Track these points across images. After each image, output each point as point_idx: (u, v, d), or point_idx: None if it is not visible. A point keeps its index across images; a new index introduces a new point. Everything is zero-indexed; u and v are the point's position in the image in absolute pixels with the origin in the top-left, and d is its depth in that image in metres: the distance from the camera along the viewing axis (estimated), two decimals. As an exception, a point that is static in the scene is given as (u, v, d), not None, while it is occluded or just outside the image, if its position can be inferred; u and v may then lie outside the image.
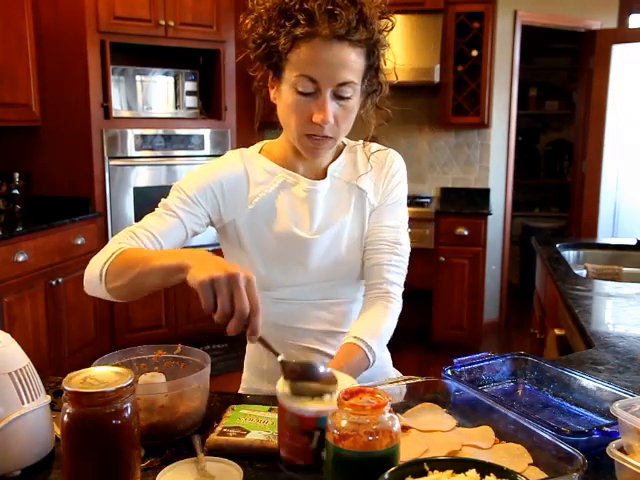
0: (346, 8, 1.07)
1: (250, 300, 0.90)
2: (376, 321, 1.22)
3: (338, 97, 1.12)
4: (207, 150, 4.17)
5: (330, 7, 1.06)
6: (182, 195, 1.22)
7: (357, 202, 1.29)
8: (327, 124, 1.12)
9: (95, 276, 1.12)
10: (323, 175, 1.28)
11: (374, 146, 1.33)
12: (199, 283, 0.90)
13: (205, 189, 1.23)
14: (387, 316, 1.24)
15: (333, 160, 1.30)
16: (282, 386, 0.92)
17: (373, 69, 1.16)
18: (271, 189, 1.25)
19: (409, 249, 1.31)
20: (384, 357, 1.40)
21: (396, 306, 1.26)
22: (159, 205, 1.24)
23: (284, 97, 1.15)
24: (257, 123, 1.30)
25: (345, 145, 1.33)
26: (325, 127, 1.13)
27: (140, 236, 1.16)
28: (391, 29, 1.16)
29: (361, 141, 1.33)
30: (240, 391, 1.40)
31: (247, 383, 1.39)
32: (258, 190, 1.25)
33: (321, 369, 0.93)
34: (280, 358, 0.93)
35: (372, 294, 1.26)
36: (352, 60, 1.10)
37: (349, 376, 0.96)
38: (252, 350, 1.38)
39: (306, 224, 1.25)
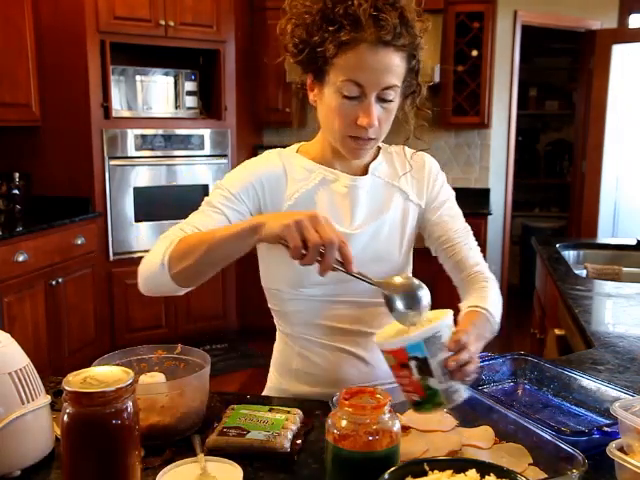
0: (389, 12, 1.08)
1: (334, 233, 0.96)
2: (481, 294, 1.23)
3: (381, 100, 1.14)
4: (207, 150, 4.17)
5: (375, 13, 1.07)
6: (225, 193, 1.23)
7: (398, 202, 1.30)
8: (372, 127, 1.14)
9: (156, 265, 1.11)
10: (362, 173, 1.30)
11: (407, 149, 1.35)
12: (284, 226, 0.94)
13: (247, 187, 1.24)
14: (489, 289, 1.24)
15: (373, 159, 1.31)
16: (377, 334, 1.01)
17: (413, 72, 1.18)
18: (310, 185, 1.26)
19: None
20: None
21: (493, 282, 1.27)
22: (203, 203, 1.24)
23: (327, 100, 1.16)
24: (295, 124, 1.31)
25: (380, 147, 1.34)
26: (369, 130, 1.15)
27: (189, 232, 1.17)
28: (425, 31, 1.17)
29: (394, 145, 1.35)
30: (265, 390, 1.39)
31: (273, 382, 1.39)
32: (297, 187, 1.26)
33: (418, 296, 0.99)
34: (384, 292, 1.00)
35: (467, 281, 1.28)
36: (396, 64, 1.12)
37: (447, 310, 0.99)
38: (280, 349, 1.37)
39: (347, 219, 1.26)
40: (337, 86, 1.12)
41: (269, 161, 1.29)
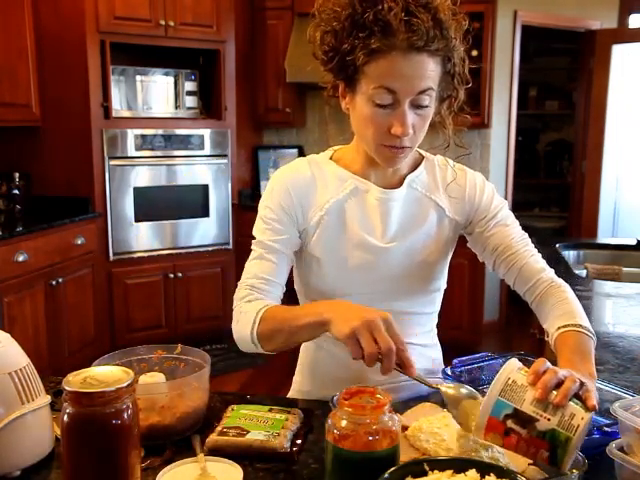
0: (421, 15, 1.04)
1: (393, 338, 0.95)
2: (565, 308, 1.15)
3: (416, 106, 1.10)
4: (207, 150, 4.17)
5: (406, 17, 1.03)
6: (271, 225, 1.24)
7: (433, 217, 1.27)
8: (407, 136, 1.11)
9: (248, 342, 1.18)
10: (398, 184, 1.26)
11: (450, 161, 1.31)
12: (344, 337, 0.97)
13: (283, 207, 1.24)
14: (569, 299, 1.18)
15: (412, 170, 1.28)
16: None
17: (449, 75, 1.15)
18: (341, 195, 1.24)
19: None
20: (438, 358, 1.38)
21: (568, 289, 1.21)
22: (255, 244, 1.25)
23: (359, 108, 1.13)
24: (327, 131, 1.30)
25: (424, 157, 1.31)
26: (404, 138, 1.11)
27: (258, 286, 1.21)
28: (465, 30, 1.15)
29: (439, 155, 1.32)
30: (290, 393, 1.39)
31: (299, 385, 1.38)
32: (328, 196, 1.24)
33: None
34: (443, 389, 0.96)
35: (539, 291, 1.21)
36: (430, 69, 1.08)
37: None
38: (307, 353, 1.37)
39: (378, 232, 1.24)
40: (369, 94, 1.09)
41: (296, 170, 1.27)
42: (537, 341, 2.69)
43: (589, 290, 2.09)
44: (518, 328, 4.70)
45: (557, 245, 2.85)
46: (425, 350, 1.32)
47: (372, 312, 0.98)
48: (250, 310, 1.18)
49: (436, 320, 1.36)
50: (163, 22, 3.83)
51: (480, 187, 1.30)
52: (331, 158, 1.29)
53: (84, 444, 0.83)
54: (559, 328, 1.10)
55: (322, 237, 1.24)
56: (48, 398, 1.02)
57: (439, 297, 1.33)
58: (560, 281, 1.22)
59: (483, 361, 1.25)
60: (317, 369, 1.33)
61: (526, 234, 1.29)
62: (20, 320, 3.17)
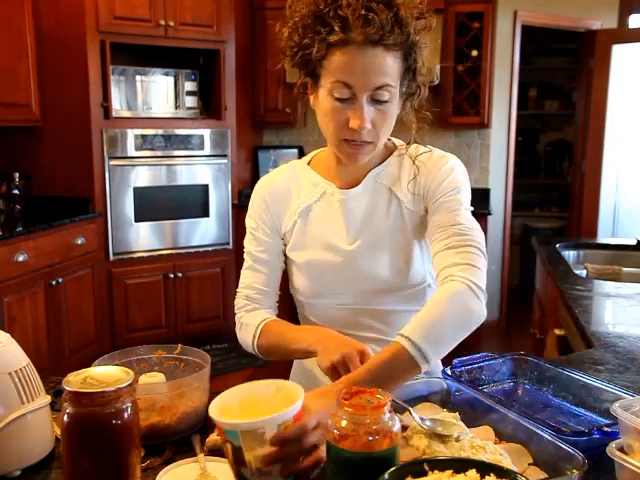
0: (381, 12, 1.05)
1: None
2: (426, 315, 1.06)
3: (375, 101, 1.11)
4: (207, 150, 4.17)
5: (364, 12, 1.05)
6: (255, 235, 1.32)
7: (394, 209, 1.24)
8: (364, 130, 1.11)
9: (250, 348, 1.31)
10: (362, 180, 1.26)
11: (420, 149, 1.26)
12: (325, 369, 1.09)
13: (263, 218, 1.31)
14: (441, 303, 1.07)
15: (379, 164, 1.27)
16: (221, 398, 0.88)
17: (411, 71, 1.15)
18: (312, 200, 1.28)
19: (475, 226, 1.17)
20: (437, 364, 1.32)
21: (456, 286, 1.07)
22: (245, 254, 1.34)
23: (321, 103, 1.15)
24: (296, 124, 1.33)
25: (396, 148, 1.29)
26: (363, 132, 1.12)
27: (253, 297, 1.31)
28: (429, 29, 1.13)
29: (415, 145, 1.26)
30: None
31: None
32: (300, 201, 1.29)
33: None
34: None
35: (437, 286, 1.13)
36: (388, 64, 1.09)
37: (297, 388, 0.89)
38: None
39: (343, 233, 1.25)
40: (328, 88, 1.12)
41: (272, 179, 1.33)
42: (537, 341, 2.69)
43: (589, 290, 2.09)
44: (518, 328, 4.70)
45: (557, 245, 2.85)
46: None
47: (350, 345, 1.08)
48: (250, 323, 1.28)
49: None
50: (163, 22, 3.83)
51: (435, 172, 1.22)
52: (310, 162, 1.33)
53: (84, 444, 0.83)
54: (396, 335, 1.04)
55: (296, 241, 1.29)
56: (48, 398, 1.02)
57: (429, 293, 1.28)
58: (456, 278, 1.08)
59: (483, 361, 1.25)
60: (314, 368, 1.33)
61: (463, 222, 1.16)
62: (20, 320, 3.17)
